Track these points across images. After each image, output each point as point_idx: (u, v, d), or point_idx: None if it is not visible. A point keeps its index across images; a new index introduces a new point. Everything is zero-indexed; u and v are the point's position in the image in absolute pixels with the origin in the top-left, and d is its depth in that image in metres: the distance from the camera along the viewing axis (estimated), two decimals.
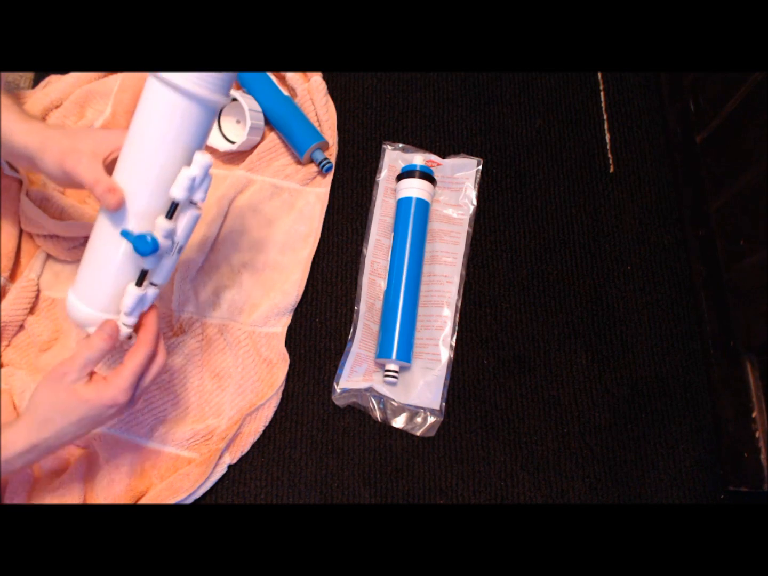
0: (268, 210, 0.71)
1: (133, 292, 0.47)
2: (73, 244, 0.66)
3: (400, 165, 0.73)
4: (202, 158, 0.45)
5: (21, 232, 0.67)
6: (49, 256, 0.67)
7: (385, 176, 0.73)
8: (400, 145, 0.75)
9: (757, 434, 0.59)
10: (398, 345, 0.64)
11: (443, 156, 0.74)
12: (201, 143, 0.47)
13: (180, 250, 0.49)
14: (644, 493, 0.63)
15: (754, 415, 0.59)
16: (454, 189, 0.73)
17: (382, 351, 0.64)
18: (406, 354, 0.64)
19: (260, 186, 0.71)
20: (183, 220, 0.47)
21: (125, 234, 0.46)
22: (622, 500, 0.63)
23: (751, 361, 0.61)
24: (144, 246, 0.45)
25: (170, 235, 0.47)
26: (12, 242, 0.66)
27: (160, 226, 0.46)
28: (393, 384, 0.64)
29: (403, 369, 0.65)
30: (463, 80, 0.79)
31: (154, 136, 0.45)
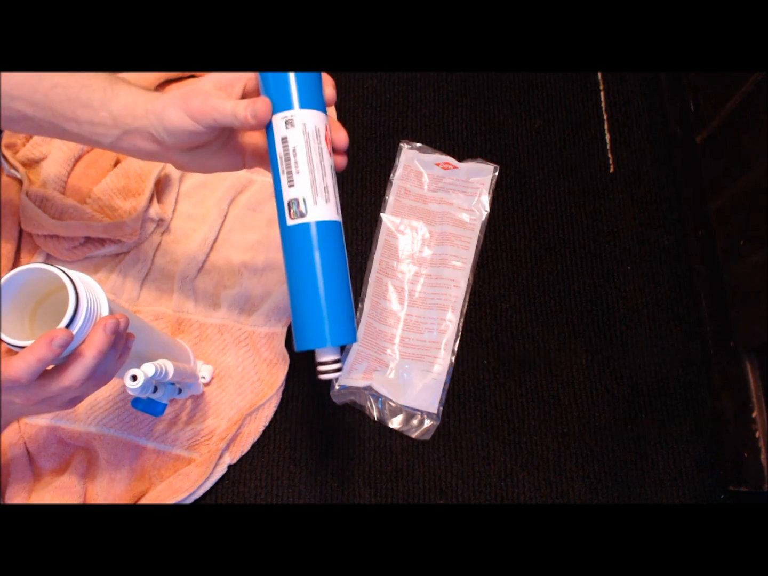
0: (268, 210, 0.71)
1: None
2: (73, 244, 0.66)
3: (416, 165, 0.72)
4: (141, 372, 0.45)
5: (21, 232, 0.67)
6: (49, 256, 0.67)
7: (399, 175, 0.73)
8: (418, 144, 0.74)
9: (757, 434, 0.59)
10: (330, 324, 0.43)
11: (460, 159, 0.74)
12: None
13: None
14: (644, 493, 0.63)
15: (754, 415, 0.59)
16: (468, 193, 0.73)
17: (308, 338, 0.43)
18: (345, 333, 0.43)
19: (260, 186, 0.71)
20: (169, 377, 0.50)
21: (137, 405, 0.50)
22: (622, 500, 0.63)
23: (751, 361, 0.61)
24: (156, 411, 0.50)
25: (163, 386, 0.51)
26: (12, 242, 0.66)
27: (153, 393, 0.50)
28: (335, 377, 0.44)
29: (404, 370, 0.65)
30: (463, 80, 0.79)
31: None
